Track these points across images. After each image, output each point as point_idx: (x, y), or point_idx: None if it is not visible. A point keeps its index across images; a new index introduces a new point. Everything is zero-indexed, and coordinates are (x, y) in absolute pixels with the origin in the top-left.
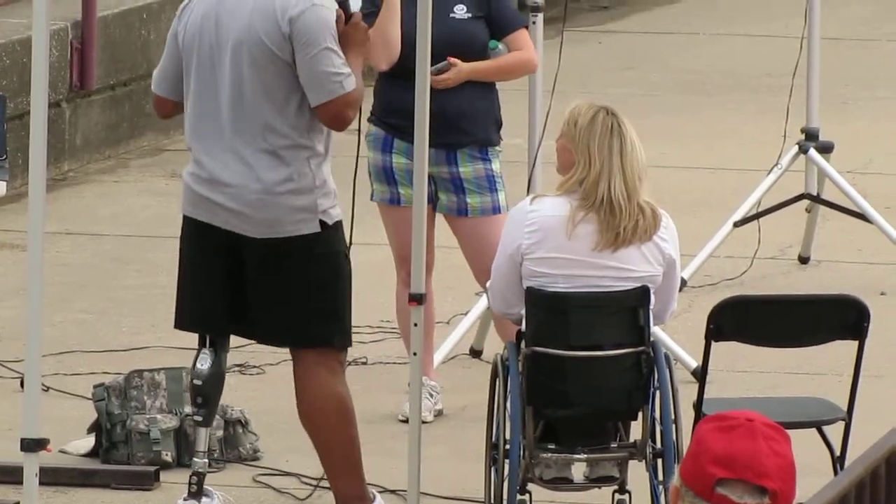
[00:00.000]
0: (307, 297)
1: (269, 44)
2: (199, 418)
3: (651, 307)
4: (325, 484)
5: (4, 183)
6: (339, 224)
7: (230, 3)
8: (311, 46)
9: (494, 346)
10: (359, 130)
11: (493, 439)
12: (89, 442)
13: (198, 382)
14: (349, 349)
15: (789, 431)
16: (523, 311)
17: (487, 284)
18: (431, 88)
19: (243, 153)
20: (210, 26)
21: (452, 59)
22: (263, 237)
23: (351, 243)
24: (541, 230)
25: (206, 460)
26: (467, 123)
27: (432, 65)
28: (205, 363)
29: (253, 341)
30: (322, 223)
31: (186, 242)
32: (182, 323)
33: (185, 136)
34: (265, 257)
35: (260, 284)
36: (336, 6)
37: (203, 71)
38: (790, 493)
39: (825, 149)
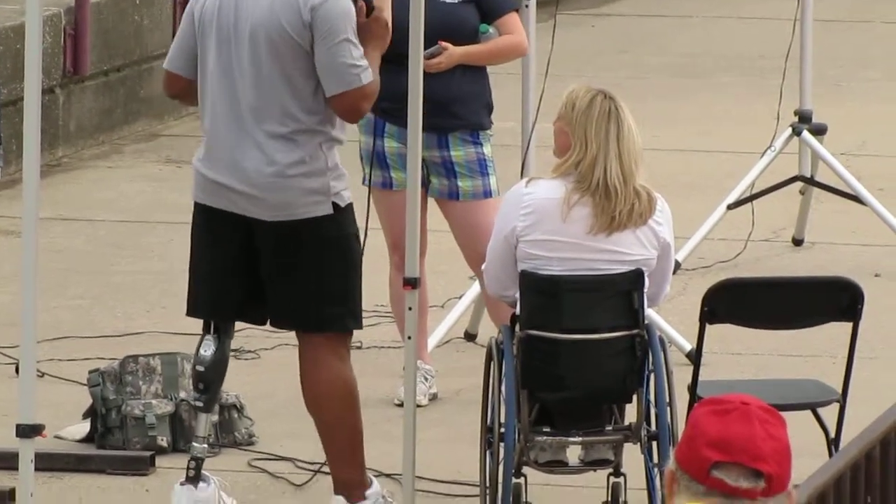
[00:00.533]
0: (320, 280)
1: (290, 30)
2: (201, 404)
3: (645, 290)
4: (324, 469)
5: None
6: (350, 206)
7: None
8: (332, 36)
9: (488, 329)
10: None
11: (488, 423)
12: (84, 427)
13: (201, 368)
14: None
15: (784, 414)
16: (518, 294)
17: (482, 267)
18: (423, 73)
19: (258, 136)
20: (229, 9)
21: (444, 44)
22: (276, 220)
23: (367, 229)
24: (536, 212)
25: (206, 445)
26: (458, 107)
27: (424, 49)
28: (208, 349)
29: (251, 325)
30: (335, 205)
31: (198, 230)
32: (194, 311)
33: (200, 118)
34: (278, 240)
35: (273, 268)
36: None
37: (220, 53)
38: (786, 476)
39: (819, 131)
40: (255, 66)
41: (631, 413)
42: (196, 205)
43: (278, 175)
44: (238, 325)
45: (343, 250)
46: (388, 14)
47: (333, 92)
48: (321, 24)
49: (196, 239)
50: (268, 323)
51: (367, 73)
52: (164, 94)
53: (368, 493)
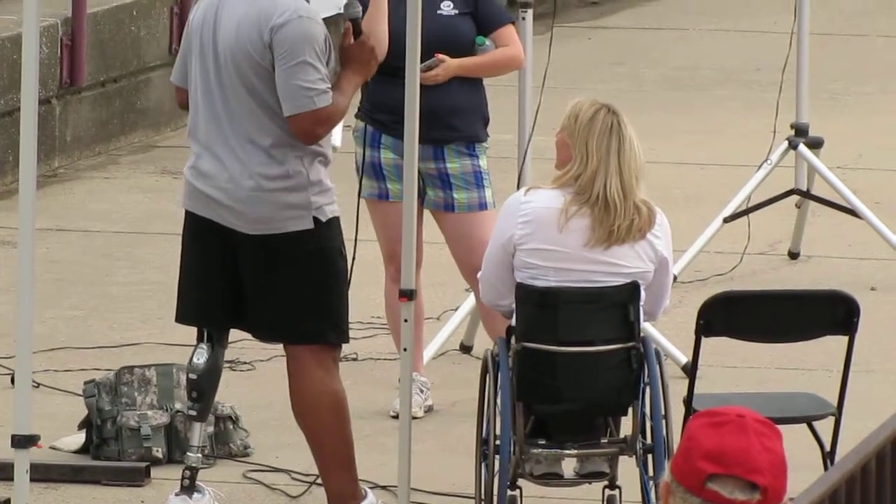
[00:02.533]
0: (301, 294)
1: (253, 52)
2: (194, 413)
3: (641, 303)
4: (318, 482)
5: None
6: (334, 221)
7: (228, 6)
8: (289, 58)
9: (484, 341)
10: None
11: (484, 435)
12: (80, 438)
13: (193, 377)
14: (342, 345)
15: (779, 427)
16: (513, 304)
17: (478, 276)
18: (420, 85)
19: (238, 150)
20: (209, 26)
21: (440, 56)
22: (257, 233)
23: (356, 241)
24: (533, 221)
25: (200, 455)
26: (455, 119)
27: (420, 62)
28: (201, 358)
29: (247, 336)
30: (315, 220)
31: (187, 236)
32: (183, 318)
33: (188, 129)
34: (259, 253)
35: (255, 280)
36: (332, 21)
37: (201, 69)
38: (781, 489)
39: (815, 144)
40: (230, 82)
41: (626, 426)
42: (186, 212)
43: (258, 189)
44: (234, 336)
45: (324, 265)
46: (383, 31)
47: (288, 113)
48: (279, 45)
49: (185, 246)
50: (252, 334)
51: (324, 98)
52: (177, 105)
53: None
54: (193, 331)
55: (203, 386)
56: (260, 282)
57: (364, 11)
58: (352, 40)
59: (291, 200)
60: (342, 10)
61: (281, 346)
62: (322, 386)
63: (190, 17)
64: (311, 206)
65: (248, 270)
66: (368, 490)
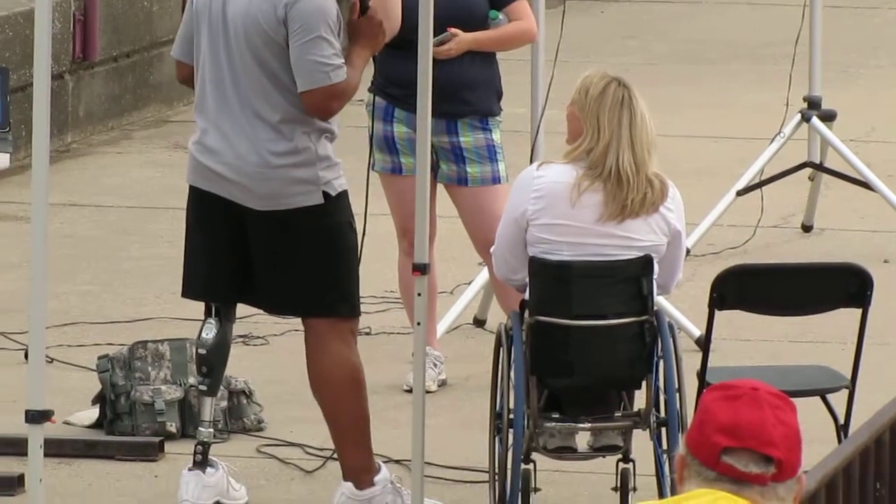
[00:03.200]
0: (311, 268)
1: (266, 27)
2: (204, 388)
3: (655, 277)
4: (334, 456)
5: (8, 155)
6: (343, 194)
7: None
8: (304, 33)
9: (497, 315)
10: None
11: (497, 409)
12: (93, 413)
13: (202, 351)
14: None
15: (793, 400)
16: (525, 278)
17: (491, 250)
18: (433, 59)
19: (245, 126)
20: (218, 1)
21: (453, 30)
22: (266, 209)
23: (366, 215)
24: (546, 196)
25: (212, 430)
26: (468, 93)
27: (434, 36)
28: (210, 332)
29: (259, 311)
30: (325, 194)
31: (192, 211)
32: (188, 292)
33: (194, 105)
34: (269, 229)
35: (265, 255)
36: None
37: (210, 44)
38: (795, 462)
39: (828, 117)
40: (240, 57)
41: (640, 399)
42: (190, 187)
43: (265, 165)
44: (248, 311)
45: (334, 238)
46: (396, 5)
47: (302, 88)
48: (294, 20)
49: (191, 221)
50: (261, 307)
51: (340, 73)
52: (177, 80)
53: (377, 478)
54: (204, 307)
55: (212, 360)
56: (270, 257)
57: None
58: (358, 15)
59: (300, 176)
60: None
61: (294, 320)
62: (339, 358)
63: None
64: (319, 180)
65: (257, 245)
66: (382, 464)
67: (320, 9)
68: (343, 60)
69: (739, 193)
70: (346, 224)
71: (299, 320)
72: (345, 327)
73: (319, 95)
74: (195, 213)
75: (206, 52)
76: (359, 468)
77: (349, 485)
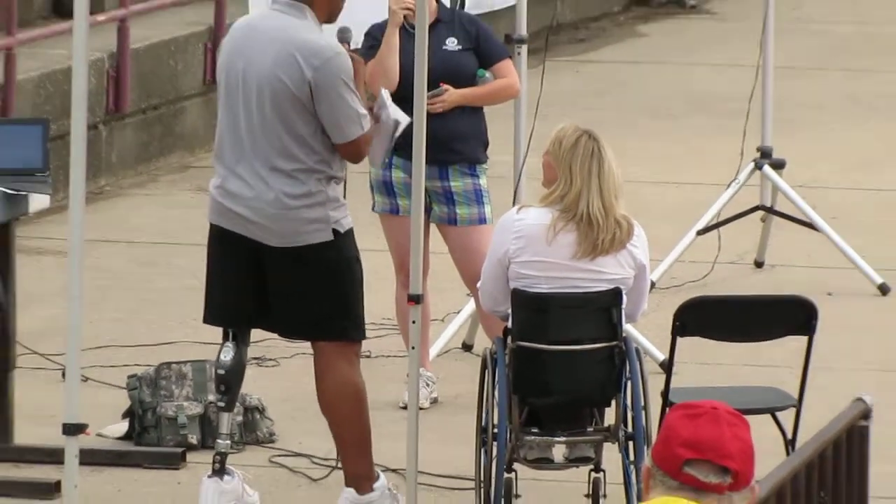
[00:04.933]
0: (325, 296)
1: (290, 84)
2: (223, 404)
3: (623, 306)
4: (338, 466)
5: (48, 196)
6: (349, 232)
7: (259, 43)
8: (334, 93)
9: (483, 341)
10: None
11: (483, 424)
12: (123, 426)
13: (221, 372)
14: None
15: (747, 417)
16: (509, 309)
17: (477, 285)
18: (427, 113)
19: (262, 173)
20: (238, 61)
21: (445, 86)
22: (283, 245)
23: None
24: (525, 237)
25: (229, 442)
26: (458, 143)
27: (428, 91)
28: (228, 355)
29: (273, 335)
30: (335, 231)
31: (213, 247)
32: (210, 319)
33: (214, 154)
34: (284, 263)
35: (280, 286)
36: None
37: (230, 101)
38: (750, 473)
39: (778, 165)
40: (259, 113)
41: (610, 416)
42: (211, 225)
43: (282, 207)
44: (260, 335)
45: (343, 271)
46: (395, 59)
47: (340, 142)
48: (323, 82)
49: (212, 256)
50: (276, 332)
51: (367, 121)
52: None
53: (376, 485)
54: (222, 332)
55: (230, 380)
56: (285, 287)
57: (378, 47)
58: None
59: (313, 216)
60: (336, 34)
61: (302, 344)
62: (345, 378)
63: (219, 57)
64: (329, 219)
65: (273, 277)
66: (381, 472)
67: (343, 68)
68: (365, 110)
69: (699, 233)
70: (353, 258)
71: (307, 344)
72: (351, 350)
73: (356, 145)
74: (216, 248)
75: (224, 108)
76: (360, 476)
77: (351, 490)
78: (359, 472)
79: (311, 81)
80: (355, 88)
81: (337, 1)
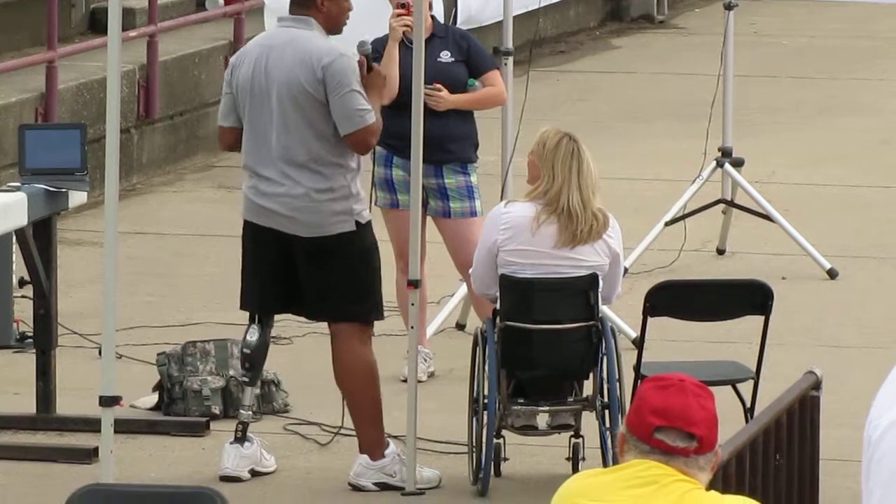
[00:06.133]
0: (348, 283)
1: (307, 86)
2: (246, 379)
3: (600, 290)
4: (343, 432)
5: (85, 193)
6: (368, 223)
7: (275, 56)
8: (341, 88)
9: (475, 321)
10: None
11: (475, 395)
12: (154, 398)
13: (247, 351)
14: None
15: (711, 388)
16: (498, 293)
17: (469, 271)
18: (423, 117)
19: (290, 172)
20: (260, 73)
21: (438, 84)
22: (310, 236)
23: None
24: (512, 228)
25: (250, 413)
26: (451, 145)
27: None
28: (254, 336)
29: (287, 316)
30: (357, 223)
31: (247, 241)
32: (245, 306)
33: (242, 159)
34: (312, 252)
35: (309, 274)
36: (359, 56)
37: (256, 109)
38: (713, 438)
39: (737, 163)
40: (283, 117)
41: (588, 388)
42: (245, 222)
43: (311, 200)
44: (276, 317)
45: (365, 258)
46: (395, 70)
47: (347, 132)
48: (331, 79)
49: (246, 249)
50: (305, 315)
51: (371, 115)
52: (219, 148)
53: (387, 451)
54: (243, 313)
55: (255, 358)
56: (314, 274)
57: (379, 58)
58: (367, 72)
59: (338, 208)
60: (356, 48)
61: (314, 324)
62: (360, 356)
63: (228, 76)
64: (353, 212)
65: (303, 266)
66: (390, 440)
67: (349, 67)
68: (370, 105)
69: (667, 224)
70: (373, 246)
71: (319, 324)
72: (364, 330)
73: (360, 135)
74: (250, 244)
75: (251, 116)
76: (373, 443)
77: (365, 456)
78: (372, 439)
79: (322, 79)
80: (360, 87)
81: (336, 17)
